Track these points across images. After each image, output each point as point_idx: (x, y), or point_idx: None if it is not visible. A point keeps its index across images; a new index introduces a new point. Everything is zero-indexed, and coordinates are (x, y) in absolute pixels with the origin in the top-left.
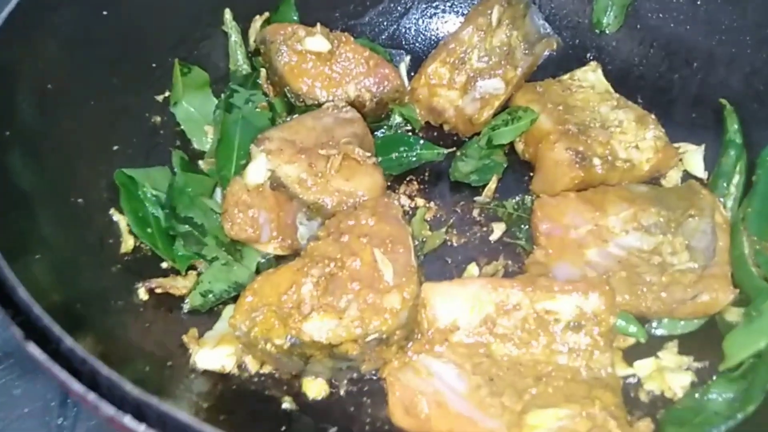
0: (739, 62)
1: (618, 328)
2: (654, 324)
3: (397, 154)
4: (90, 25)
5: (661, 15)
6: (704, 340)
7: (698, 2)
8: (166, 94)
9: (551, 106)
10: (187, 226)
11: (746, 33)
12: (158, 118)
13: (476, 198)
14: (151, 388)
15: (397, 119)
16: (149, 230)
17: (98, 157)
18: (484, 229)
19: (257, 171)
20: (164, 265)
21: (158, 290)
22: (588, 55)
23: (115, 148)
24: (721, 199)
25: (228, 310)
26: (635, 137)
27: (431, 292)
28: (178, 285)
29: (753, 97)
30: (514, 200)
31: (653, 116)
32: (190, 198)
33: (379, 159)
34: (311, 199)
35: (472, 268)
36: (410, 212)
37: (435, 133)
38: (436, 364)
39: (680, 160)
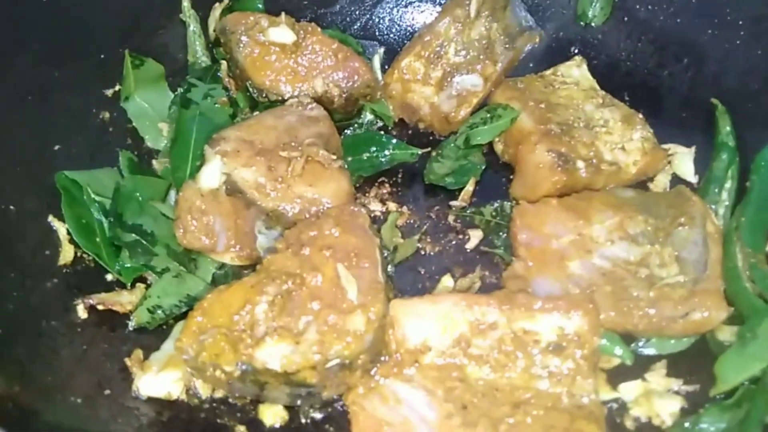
0: (733, 59)
1: (602, 350)
2: (641, 343)
3: (368, 154)
4: (27, 13)
5: (650, 7)
6: (694, 361)
7: None
8: (117, 88)
9: (533, 104)
10: (134, 235)
11: (741, 27)
12: (107, 115)
13: (452, 202)
14: (78, 426)
15: (368, 116)
16: (96, 239)
17: (36, 159)
18: (460, 236)
19: (211, 175)
20: (109, 277)
21: (100, 307)
22: (572, 49)
23: (57, 148)
24: (713, 207)
25: (179, 327)
26: (621, 138)
27: (400, 310)
28: (123, 300)
29: (747, 97)
30: (492, 206)
31: (641, 115)
32: (139, 203)
33: (349, 159)
34: (270, 206)
35: (447, 280)
36: (381, 217)
37: (409, 132)
38: (405, 390)
39: (669, 162)
